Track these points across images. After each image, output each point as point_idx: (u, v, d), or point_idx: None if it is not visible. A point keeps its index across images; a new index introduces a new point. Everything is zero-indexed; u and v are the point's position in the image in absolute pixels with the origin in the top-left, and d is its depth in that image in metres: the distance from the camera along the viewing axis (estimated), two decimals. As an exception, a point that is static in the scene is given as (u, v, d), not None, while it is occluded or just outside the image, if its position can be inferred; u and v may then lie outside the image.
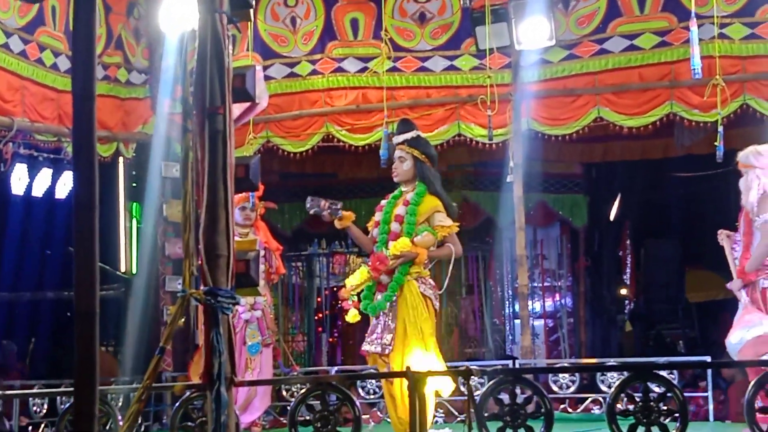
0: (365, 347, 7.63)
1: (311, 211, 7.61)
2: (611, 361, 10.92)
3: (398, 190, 7.79)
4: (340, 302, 8.07)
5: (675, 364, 10.51)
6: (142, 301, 11.16)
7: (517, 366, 10.22)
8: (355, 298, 7.73)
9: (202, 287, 4.71)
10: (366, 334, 7.71)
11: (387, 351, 7.41)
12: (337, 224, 7.65)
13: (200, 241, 4.69)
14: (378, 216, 7.78)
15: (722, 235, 8.02)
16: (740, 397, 9.90)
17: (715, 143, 9.64)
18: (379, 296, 7.55)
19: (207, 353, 4.73)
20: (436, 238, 7.50)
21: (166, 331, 4.93)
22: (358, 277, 7.71)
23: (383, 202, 7.83)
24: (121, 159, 11.67)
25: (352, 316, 7.76)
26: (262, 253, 8.91)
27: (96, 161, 3.45)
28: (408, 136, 7.78)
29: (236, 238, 4.90)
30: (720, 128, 9.76)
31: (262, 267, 8.91)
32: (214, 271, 4.69)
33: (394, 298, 7.45)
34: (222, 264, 4.72)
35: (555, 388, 10.12)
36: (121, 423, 6.18)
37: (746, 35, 10.12)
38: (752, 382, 5.81)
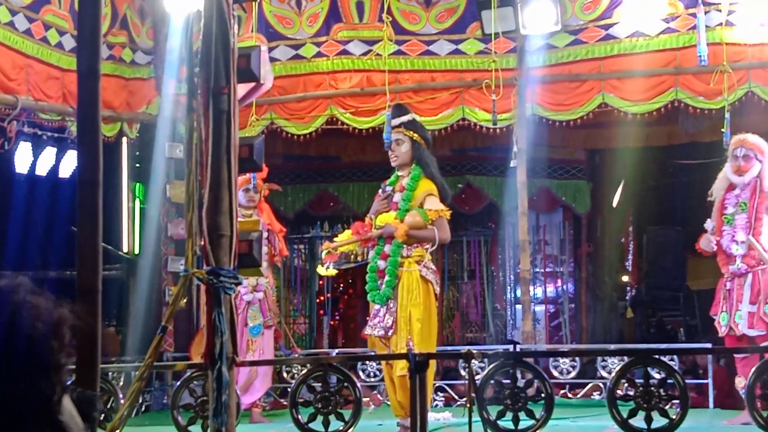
0: (367, 331, 7.67)
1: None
2: (612, 347, 10.93)
3: (394, 175, 7.85)
4: (322, 260, 8.22)
5: (676, 349, 10.49)
6: (144, 281, 11.18)
7: (518, 350, 10.24)
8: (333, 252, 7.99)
9: (204, 267, 4.72)
10: (368, 318, 7.76)
11: (389, 334, 7.45)
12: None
13: (203, 220, 4.70)
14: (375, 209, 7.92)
15: (708, 239, 8.15)
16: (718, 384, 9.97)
17: (722, 129, 9.61)
18: (381, 283, 7.62)
19: (209, 333, 4.74)
20: (426, 220, 7.56)
21: (168, 311, 4.95)
22: (341, 237, 7.90)
23: (380, 191, 7.91)
24: (124, 139, 11.66)
25: (326, 270, 7.99)
26: (265, 234, 8.93)
27: (100, 138, 3.46)
28: (405, 119, 7.85)
29: (239, 219, 4.91)
30: (727, 114, 9.74)
31: (265, 249, 8.94)
32: (217, 251, 4.71)
33: (396, 282, 7.51)
34: (225, 244, 4.74)
35: (555, 374, 10.13)
36: (122, 401, 6.20)
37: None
38: (752, 370, 5.83)
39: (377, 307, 7.60)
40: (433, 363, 7.52)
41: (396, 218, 7.62)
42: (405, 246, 7.56)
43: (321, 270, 8.23)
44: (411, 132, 7.74)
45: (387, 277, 7.53)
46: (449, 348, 11.64)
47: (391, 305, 7.51)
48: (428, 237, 7.57)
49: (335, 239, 8.11)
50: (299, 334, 14.85)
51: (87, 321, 3.30)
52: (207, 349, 4.76)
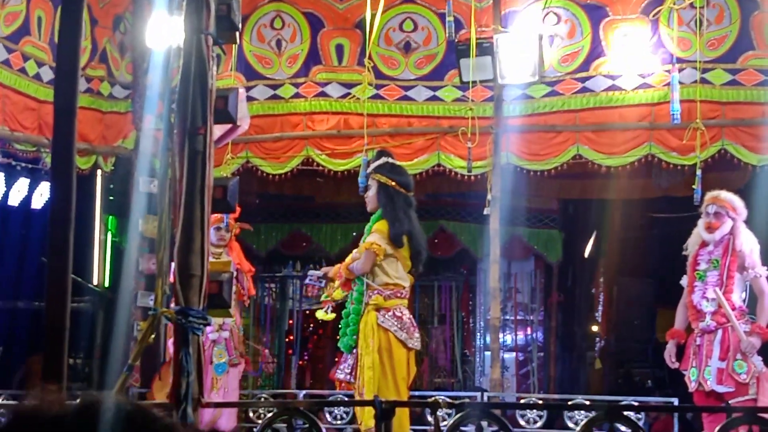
0: (338, 375, 7.67)
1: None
2: (580, 398, 10.89)
3: (372, 219, 7.90)
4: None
5: (643, 406, 10.48)
6: (114, 314, 11.11)
7: (485, 398, 10.22)
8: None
9: (173, 306, 4.70)
10: (337, 360, 7.77)
11: (351, 379, 7.46)
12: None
13: (174, 260, 4.69)
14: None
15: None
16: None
17: (693, 186, 9.68)
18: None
19: (175, 372, 4.72)
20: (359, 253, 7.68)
21: (135, 349, 4.92)
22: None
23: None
24: (99, 172, 11.63)
25: (325, 314, 7.95)
26: (234, 274, 8.91)
27: (74, 177, 3.45)
28: (375, 164, 7.88)
29: (210, 259, 4.90)
30: (698, 171, 9.82)
31: (233, 288, 8.92)
32: (187, 291, 4.69)
33: (357, 330, 7.55)
34: (195, 284, 4.72)
35: (522, 423, 10.10)
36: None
37: (727, 81, 10.20)
38: (717, 428, 5.84)
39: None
40: (405, 412, 7.47)
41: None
42: (366, 293, 7.57)
43: (321, 314, 8.12)
44: (378, 175, 7.77)
45: (350, 326, 7.55)
46: (416, 394, 11.60)
47: (355, 352, 7.55)
48: (354, 268, 7.64)
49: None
50: (267, 374, 14.76)
51: (52, 356, 3.28)
52: (173, 388, 4.73)
